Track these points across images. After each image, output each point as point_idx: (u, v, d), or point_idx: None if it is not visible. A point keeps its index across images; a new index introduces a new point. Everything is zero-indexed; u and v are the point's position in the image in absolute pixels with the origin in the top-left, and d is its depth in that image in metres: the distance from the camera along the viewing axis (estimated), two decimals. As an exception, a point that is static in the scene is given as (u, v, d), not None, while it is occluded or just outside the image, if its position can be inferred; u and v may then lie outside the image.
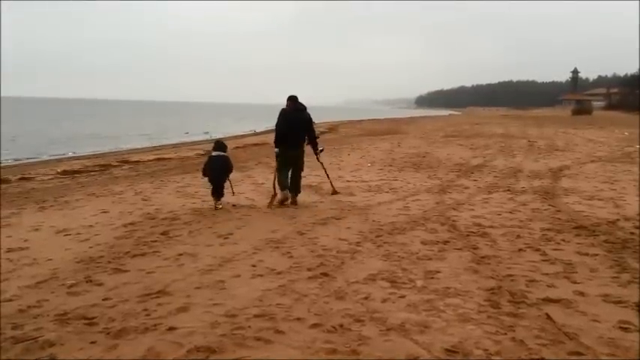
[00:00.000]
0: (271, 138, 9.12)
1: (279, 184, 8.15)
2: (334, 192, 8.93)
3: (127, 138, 31.24)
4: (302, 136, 8.20)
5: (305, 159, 8.41)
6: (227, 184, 8.04)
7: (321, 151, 8.76)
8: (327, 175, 9.18)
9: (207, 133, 34.13)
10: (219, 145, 8.31)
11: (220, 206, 7.80)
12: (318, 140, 8.58)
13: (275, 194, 8.13)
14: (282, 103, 8.37)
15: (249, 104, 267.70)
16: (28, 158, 19.99)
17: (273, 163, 8.70)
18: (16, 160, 19.37)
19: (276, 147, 8.20)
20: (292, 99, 8.17)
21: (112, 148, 25.06)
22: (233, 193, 8.20)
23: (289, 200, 8.10)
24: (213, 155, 8.06)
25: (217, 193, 7.87)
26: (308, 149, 8.51)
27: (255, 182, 9.39)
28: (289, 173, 8.15)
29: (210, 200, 7.98)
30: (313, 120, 8.38)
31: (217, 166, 7.89)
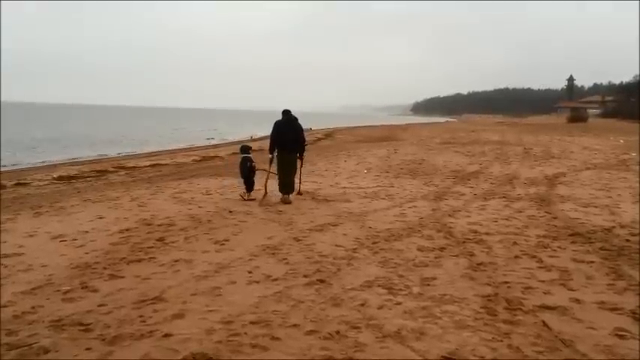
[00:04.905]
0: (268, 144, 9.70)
1: (279, 185, 8.98)
2: (299, 193, 9.48)
3: (134, 143, 31.59)
4: (294, 142, 9.17)
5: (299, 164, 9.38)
6: (257, 180, 9.45)
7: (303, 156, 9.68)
8: (300, 176, 9.71)
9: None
10: (245, 148, 9.94)
11: (247, 197, 9.12)
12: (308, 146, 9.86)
13: (266, 193, 8.97)
14: (278, 111, 9.51)
15: (249, 111, 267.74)
16: (23, 164, 19.97)
17: (268, 168, 9.34)
18: (14, 165, 19.37)
19: (270, 153, 9.22)
20: (285, 112, 9.29)
21: (108, 153, 25.10)
22: (266, 184, 9.16)
23: (284, 198, 8.89)
24: (241, 157, 9.65)
25: (247, 186, 9.27)
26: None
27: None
28: (285, 174, 9.00)
29: (204, 205, 8.02)
30: (311, 127, 9.02)
31: (244, 165, 9.40)
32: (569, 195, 9.70)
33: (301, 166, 9.66)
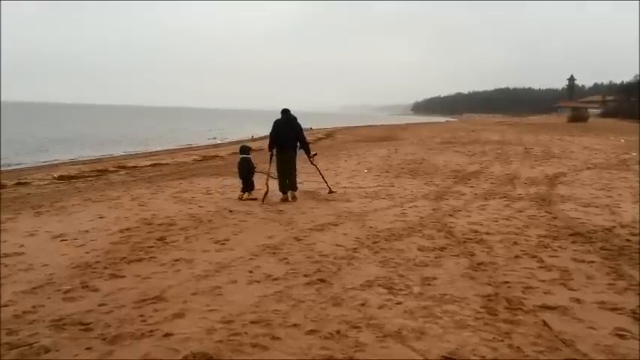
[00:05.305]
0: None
1: (279, 184, 9.15)
2: (330, 192, 9.78)
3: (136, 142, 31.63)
4: (294, 141, 9.31)
5: (299, 164, 9.49)
6: (257, 179, 9.52)
7: (314, 155, 10.01)
8: (323, 176, 10.24)
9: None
10: (244, 149, 9.97)
11: (245, 197, 9.20)
12: (310, 145, 9.86)
13: (267, 191, 9.02)
14: (278, 111, 9.63)
15: (249, 110, 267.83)
16: (24, 163, 19.98)
17: (267, 167, 9.46)
18: (15, 164, 19.38)
19: (269, 150, 9.39)
20: (284, 111, 9.46)
21: (108, 153, 25.11)
22: (267, 183, 9.16)
23: (288, 197, 9.07)
24: (240, 157, 9.69)
25: (244, 186, 9.33)
26: (303, 156, 9.62)
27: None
28: (285, 175, 9.14)
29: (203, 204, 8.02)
30: (311, 127, 9.12)
31: (242, 166, 9.47)
32: (570, 195, 9.69)
33: (314, 164, 9.96)
